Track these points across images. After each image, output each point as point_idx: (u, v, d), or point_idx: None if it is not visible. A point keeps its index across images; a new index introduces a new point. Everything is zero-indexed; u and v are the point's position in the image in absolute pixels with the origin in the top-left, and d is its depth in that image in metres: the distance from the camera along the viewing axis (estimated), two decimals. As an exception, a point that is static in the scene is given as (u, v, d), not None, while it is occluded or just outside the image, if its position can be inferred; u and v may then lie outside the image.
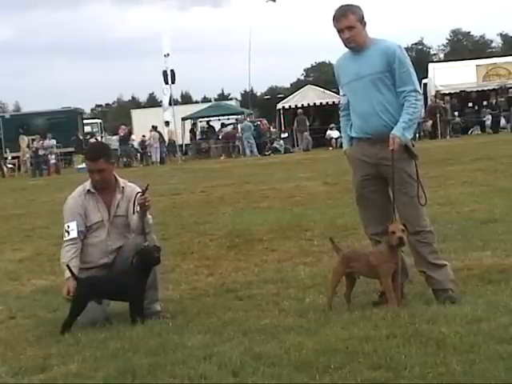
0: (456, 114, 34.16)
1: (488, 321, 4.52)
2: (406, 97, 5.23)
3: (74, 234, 5.61)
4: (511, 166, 14.70)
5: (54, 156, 34.64)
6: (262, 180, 17.81)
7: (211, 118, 40.41)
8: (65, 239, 5.64)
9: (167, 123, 36.49)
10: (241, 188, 16.22)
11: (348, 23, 5.24)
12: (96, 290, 5.40)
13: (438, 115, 32.94)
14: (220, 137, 37.51)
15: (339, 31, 5.31)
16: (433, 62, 46.54)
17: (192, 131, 40.57)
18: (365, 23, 5.32)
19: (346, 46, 5.36)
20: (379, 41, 5.37)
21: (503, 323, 4.44)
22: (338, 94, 6.39)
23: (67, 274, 5.45)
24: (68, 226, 5.64)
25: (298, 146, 35.36)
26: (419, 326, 4.49)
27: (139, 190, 5.66)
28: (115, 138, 37.05)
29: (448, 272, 5.33)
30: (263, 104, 60.41)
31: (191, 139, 39.97)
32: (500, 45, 76.63)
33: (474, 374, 3.70)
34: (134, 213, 5.61)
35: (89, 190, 5.74)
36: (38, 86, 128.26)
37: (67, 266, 5.42)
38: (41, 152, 34.29)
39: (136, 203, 5.56)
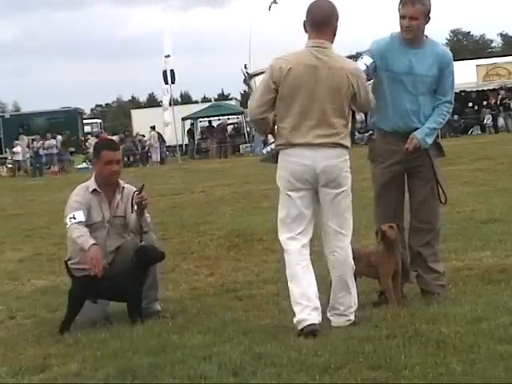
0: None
1: (488, 321, 4.52)
2: (440, 105, 5.23)
3: (81, 217, 5.44)
4: (511, 165, 14.70)
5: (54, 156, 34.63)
6: (262, 180, 17.76)
7: (211, 118, 40.36)
8: (70, 223, 5.44)
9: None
10: (241, 188, 16.22)
11: (413, 13, 5.06)
12: (92, 289, 5.33)
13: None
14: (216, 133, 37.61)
15: (401, 16, 5.13)
16: (433, 61, 46.45)
17: (190, 132, 40.51)
18: (429, 18, 5.15)
19: (402, 33, 5.18)
20: (435, 43, 5.30)
21: (503, 323, 4.44)
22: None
23: (89, 242, 5.32)
24: (73, 215, 5.45)
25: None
26: (419, 326, 4.49)
27: (136, 189, 5.66)
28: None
29: (441, 278, 5.32)
30: (263, 104, 60.15)
31: (189, 140, 39.92)
32: (500, 45, 76.50)
33: (473, 373, 3.70)
34: (132, 211, 5.60)
35: (94, 189, 5.66)
36: (37, 86, 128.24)
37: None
38: (41, 152, 34.27)
39: (133, 202, 5.55)
